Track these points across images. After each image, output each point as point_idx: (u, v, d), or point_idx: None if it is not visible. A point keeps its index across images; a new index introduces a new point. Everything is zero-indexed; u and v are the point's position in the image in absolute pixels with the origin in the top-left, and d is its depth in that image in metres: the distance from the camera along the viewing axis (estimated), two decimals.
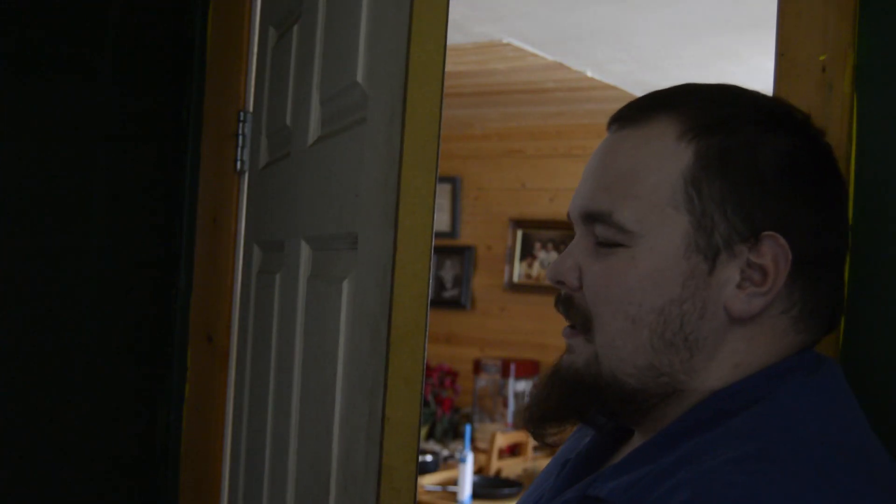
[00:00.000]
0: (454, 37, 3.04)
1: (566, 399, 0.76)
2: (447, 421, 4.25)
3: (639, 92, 3.68)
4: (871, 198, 0.87)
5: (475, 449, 3.92)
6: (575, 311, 0.76)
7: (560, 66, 3.33)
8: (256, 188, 1.38)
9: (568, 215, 0.79)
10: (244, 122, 1.43)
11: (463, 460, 3.32)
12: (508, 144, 4.77)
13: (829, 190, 0.74)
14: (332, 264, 0.96)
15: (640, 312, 0.71)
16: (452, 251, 4.84)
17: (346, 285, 0.89)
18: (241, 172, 1.44)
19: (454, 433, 4.26)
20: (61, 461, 1.43)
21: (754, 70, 3.15)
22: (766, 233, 0.70)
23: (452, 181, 4.87)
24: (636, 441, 0.78)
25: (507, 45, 3.08)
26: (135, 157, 1.50)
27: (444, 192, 4.90)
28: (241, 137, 1.43)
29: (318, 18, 1.05)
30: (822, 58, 0.90)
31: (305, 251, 1.05)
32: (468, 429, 3.70)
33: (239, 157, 1.43)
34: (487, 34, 2.98)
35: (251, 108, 1.44)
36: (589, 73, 3.43)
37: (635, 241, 0.71)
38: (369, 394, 0.78)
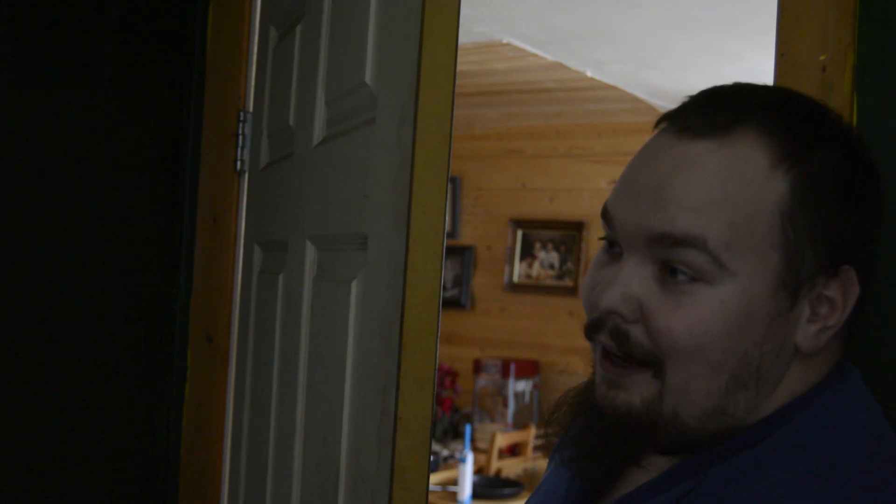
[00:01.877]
0: None
1: (616, 445, 0.69)
2: (447, 421, 4.25)
3: (639, 92, 3.68)
4: None
5: (475, 449, 3.93)
6: (635, 346, 0.67)
7: (560, 66, 3.34)
8: (257, 188, 1.38)
9: (609, 225, 0.70)
10: (244, 122, 1.43)
11: (463, 460, 3.33)
12: (508, 144, 4.77)
13: (881, 212, 0.72)
14: (340, 265, 0.96)
15: (724, 358, 0.65)
16: (452, 251, 4.84)
17: (354, 286, 0.88)
18: (241, 172, 1.44)
19: (454, 433, 4.26)
20: (61, 461, 1.43)
21: (753, 70, 3.15)
22: (844, 266, 0.67)
23: (452, 181, 4.87)
24: (654, 462, 0.73)
25: (507, 45, 3.08)
26: (135, 157, 1.50)
27: None
28: (241, 137, 1.43)
29: (322, 19, 1.05)
30: (822, 58, 0.90)
31: (311, 251, 1.05)
32: (468, 429, 3.70)
33: (239, 157, 1.43)
34: (487, 34, 2.98)
35: (251, 108, 1.44)
36: (589, 73, 3.43)
37: (724, 279, 0.64)
38: (381, 394, 0.78)
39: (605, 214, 0.71)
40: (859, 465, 0.64)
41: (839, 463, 0.64)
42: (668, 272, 0.66)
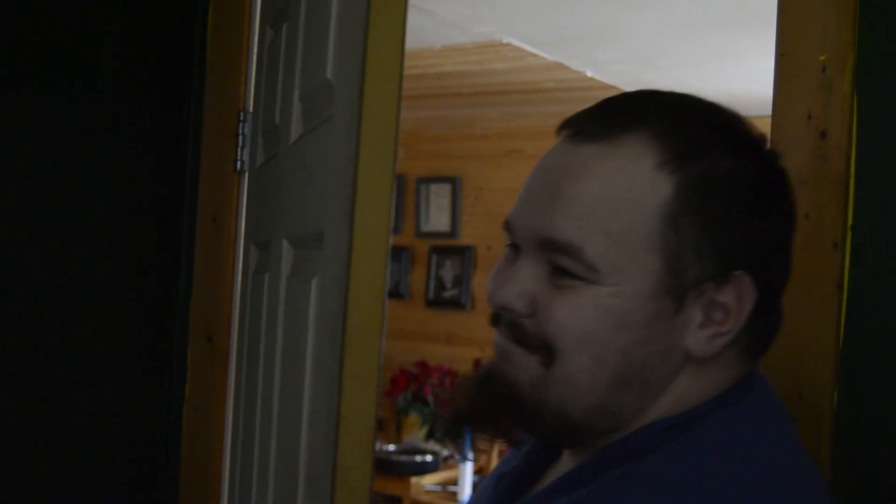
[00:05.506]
0: (454, 37, 3.04)
1: (497, 414, 0.72)
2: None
3: None
4: (871, 198, 0.87)
5: (475, 449, 3.92)
6: (530, 337, 0.70)
7: (560, 66, 3.34)
8: (254, 188, 1.38)
9: (509, 230, 0.73)
10: (244, 122, 1.43)
11: (463, 460, 3.33)
12: (508, 144, 4.77)
13: (791, 220, 0.71)
14: (306, 263, 0.95)
15: (605, 352, 0.67)
16: (452, 251, 4.84)
17: (313, 284, 0.87)
18: (241, 172, 1.44)
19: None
20: (62, 461, 1.43)
21: (754, 70, 3.15)
22: (735, 272, 0.67)
23: (452, 181, 4.87)
24: (565, 461, 0.76)
25: (507, 45, 3.08)
26: (135, 157, 1.50)
27: (444, 192, 4.90)
28: (241, 137, 1.43)
29: (300, 17, 1.05)
30: (822, 58, 0.90)
31: (287, 251, 1.04)
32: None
33: (239, 157, 1.43)
34: (487, 34, 2.98)
35: (251, 108, 1.44)
36: (589, 73, 3.43)
37: (601, 279, 0.66)
38: (328, 393, 0.77)
39: (507, 224, 0.73)
40: (724, 485, 0.63)
41: (706, 480, 0.63)
42: (558, 272, 0.68)
